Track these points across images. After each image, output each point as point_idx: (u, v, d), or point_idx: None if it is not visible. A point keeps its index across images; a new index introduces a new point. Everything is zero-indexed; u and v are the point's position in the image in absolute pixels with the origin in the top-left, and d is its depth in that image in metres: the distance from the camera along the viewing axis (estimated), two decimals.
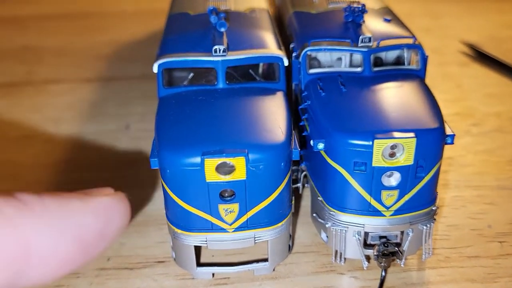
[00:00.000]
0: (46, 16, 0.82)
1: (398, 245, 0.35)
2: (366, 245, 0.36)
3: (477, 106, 0.57)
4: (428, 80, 0.37)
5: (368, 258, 0.36)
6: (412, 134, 0.32)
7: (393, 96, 0.36)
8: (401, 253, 0.35)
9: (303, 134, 0.38)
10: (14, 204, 0.20)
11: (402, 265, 0.35)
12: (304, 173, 0.40)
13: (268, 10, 0.47)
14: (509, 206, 0.43)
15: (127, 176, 0.46)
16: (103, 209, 0.23)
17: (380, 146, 0.32)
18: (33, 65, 0.67)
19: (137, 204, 0.43)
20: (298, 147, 0.33)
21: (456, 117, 0.55)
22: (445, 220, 0.41)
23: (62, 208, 0.21)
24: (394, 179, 0.33)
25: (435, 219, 0.36)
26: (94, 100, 0.58)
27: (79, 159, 0.48)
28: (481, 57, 0.67)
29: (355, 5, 0.42)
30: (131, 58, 0.68)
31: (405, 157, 0.32)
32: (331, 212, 0.35)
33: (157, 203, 0.43)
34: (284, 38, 0.47)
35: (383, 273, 0.35)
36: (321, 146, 0.34)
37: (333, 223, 0.35)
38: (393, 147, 0.32)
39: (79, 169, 0.47)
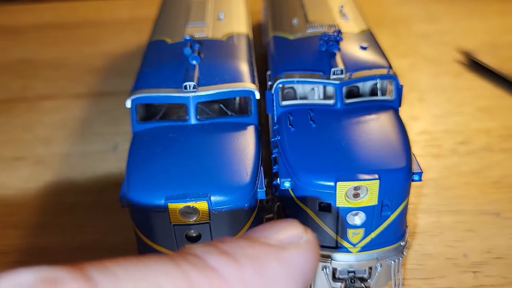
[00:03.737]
0: (45, 26, 0.83)
1: (365, 280, 0.36)
2: (335, 278, 0.36)
3: (467, 122, 0.56)
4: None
5: None
6: (375, 176, 0.32)
7: (362, 132, 0.36)
8: None
9: (274, 167, 0.38)
10: (208, 274, 0.18)
11: None
12: (278, 203, 0.40)
13: (248, 35, 0.47)
14: (487, 233, 0.42)
15: (115, 199, 0.47)
16: (299, 267, 0.20)
17: (343, 188, 0.32)
18: (29, 79, 0.68)
19: (126, 229, 0.44)
20: (264, 186, 0.34)
21: (444, 134, 0.54)
22: (420, 248, 0.41)
23: (262, 278, 0.19)
24: (359, 218, 0.34)
25: (404, 254, 0.36)
26: (85, 117, 0.59)
27: (67, 182, 0.50)
28: (476, 66, 0.65)
29: (331, 32, 0.42)
30: (124, 70, 0.69)
31: (369, 198, 0.33)
32: None
33: None
34: (266, 62, 0.47)
35: None
36: (287, 184, 0.34)
37: None
38: (356, 188, 0.32)
39: (68, 192, 0.48)
